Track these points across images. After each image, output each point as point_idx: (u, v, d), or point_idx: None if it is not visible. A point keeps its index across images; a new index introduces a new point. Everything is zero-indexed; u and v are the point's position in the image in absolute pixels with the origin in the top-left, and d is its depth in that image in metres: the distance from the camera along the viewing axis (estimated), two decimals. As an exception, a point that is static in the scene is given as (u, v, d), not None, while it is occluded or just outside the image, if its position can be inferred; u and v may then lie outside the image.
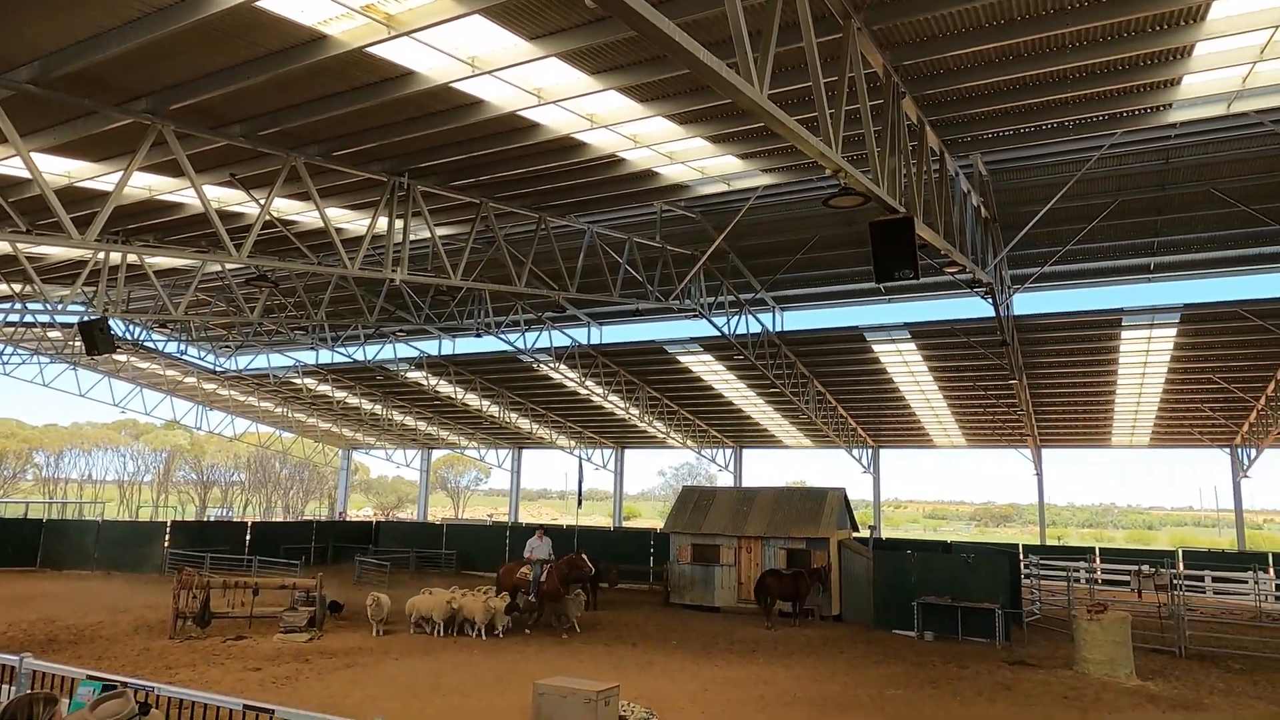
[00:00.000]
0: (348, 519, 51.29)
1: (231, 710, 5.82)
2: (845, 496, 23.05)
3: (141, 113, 11.47)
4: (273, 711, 5.34)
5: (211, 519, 62.34)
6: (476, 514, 78.83)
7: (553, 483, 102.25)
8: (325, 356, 35.78)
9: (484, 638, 16.63)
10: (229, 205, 16.17)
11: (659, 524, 31.98)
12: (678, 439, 42.36)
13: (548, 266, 18.74)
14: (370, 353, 33.20)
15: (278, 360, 37.47)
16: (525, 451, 51.05)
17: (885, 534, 39.60)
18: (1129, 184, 17.77)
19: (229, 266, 20.87)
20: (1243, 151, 16.23)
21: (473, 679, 12.98)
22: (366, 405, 43.04)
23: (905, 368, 29.27)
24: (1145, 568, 28.30)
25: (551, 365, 30.87)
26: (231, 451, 77.16)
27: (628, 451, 48.04)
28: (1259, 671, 14.97)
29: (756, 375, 30.04)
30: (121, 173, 11.99)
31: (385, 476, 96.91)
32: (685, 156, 13.75)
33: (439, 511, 76.85)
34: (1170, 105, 12.01)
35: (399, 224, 14.73)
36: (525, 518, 66.94)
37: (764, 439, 42.64)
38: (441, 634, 16.80)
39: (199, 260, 18.86)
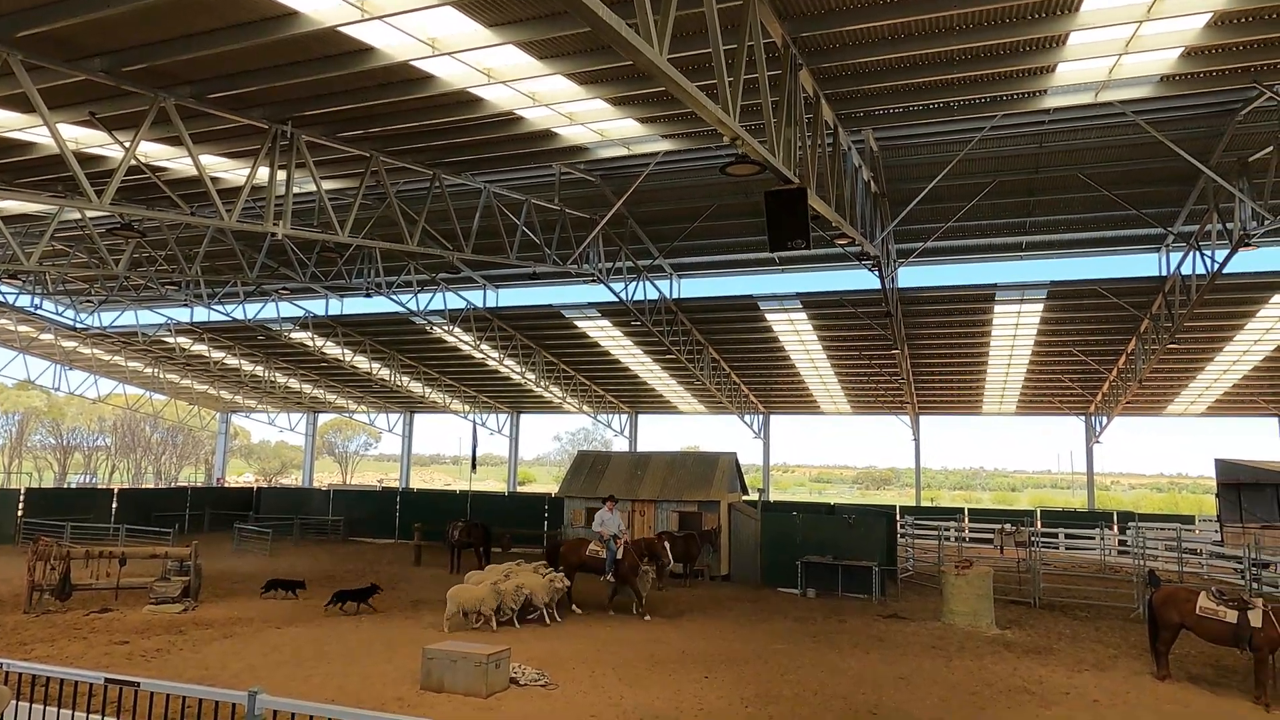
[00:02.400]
0: (226, 485, 49.00)
1: (92, 684, 5.48)
2: (736, 461, 23.66)
3: (-17, 39, 10.36)
4: (138, 684, 5.05)
5: (73, 485, 58.30)
6: (366, 479, 76.78)
7: (446, 447, 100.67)
8: (201, 314, 33.78)
9: (551, 621, 14.64)
10: (89, 147, 14.89)
11: (554, 489, 32.01)
12: (574, 404, 42.37)
13: (442, 226, 18.23)
14: (251, 311, 31.53)
15: (147, 317, 35.08)
16: (418, 416, 49.95)
17: (774, 497, 41.02)
18: (1006, 166, 18.72)
19: (89, 214, 19.28)
20: (1107, 140, 17.35)
21: (360, 645, 12.72)
22: (247, 366, 40.97)
23: (796, 336, 30.16)
24: (1007, 526, 30.57)
25: (446, 328, 30.16)
26: (96, 414, 72.08)
27: (523, 416, 47.73)
28: (1101, 619, 16.41)
29: (653, 342, 30.30)
30: (-40, 105, 10.83)
31: (268, 441, 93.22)
32: (585, 118, 13.56)
33: (326, 477, 74.47)
34: (1045, 91, 12.68)
35: (281, 175, 13.94)
36: (417, 483, 65.71)
37: (659, 404, 43.19)
38: (495, 625, 14.06)
39: (54, 205, 17.35)
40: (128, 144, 12.48)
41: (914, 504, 40.36)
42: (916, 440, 40.45)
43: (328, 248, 22.64)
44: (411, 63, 11.34)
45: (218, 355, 39.33)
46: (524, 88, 12.34)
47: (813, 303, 26.62)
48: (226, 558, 23.45)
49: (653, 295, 26.18)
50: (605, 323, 30.10)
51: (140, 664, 11.38)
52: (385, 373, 39.01)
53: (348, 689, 10.24)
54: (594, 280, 22.21)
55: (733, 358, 33.46)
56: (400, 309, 27.49)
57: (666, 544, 15.96)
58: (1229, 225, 16.86)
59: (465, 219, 17.92)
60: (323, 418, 56.66)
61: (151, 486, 63.06)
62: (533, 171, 18.87)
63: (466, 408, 45.92)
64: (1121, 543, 28.20)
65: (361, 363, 37.57)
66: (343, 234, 15.21)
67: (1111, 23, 10.43)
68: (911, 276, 24.70)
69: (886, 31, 10.82)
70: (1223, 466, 25.75)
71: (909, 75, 12.01)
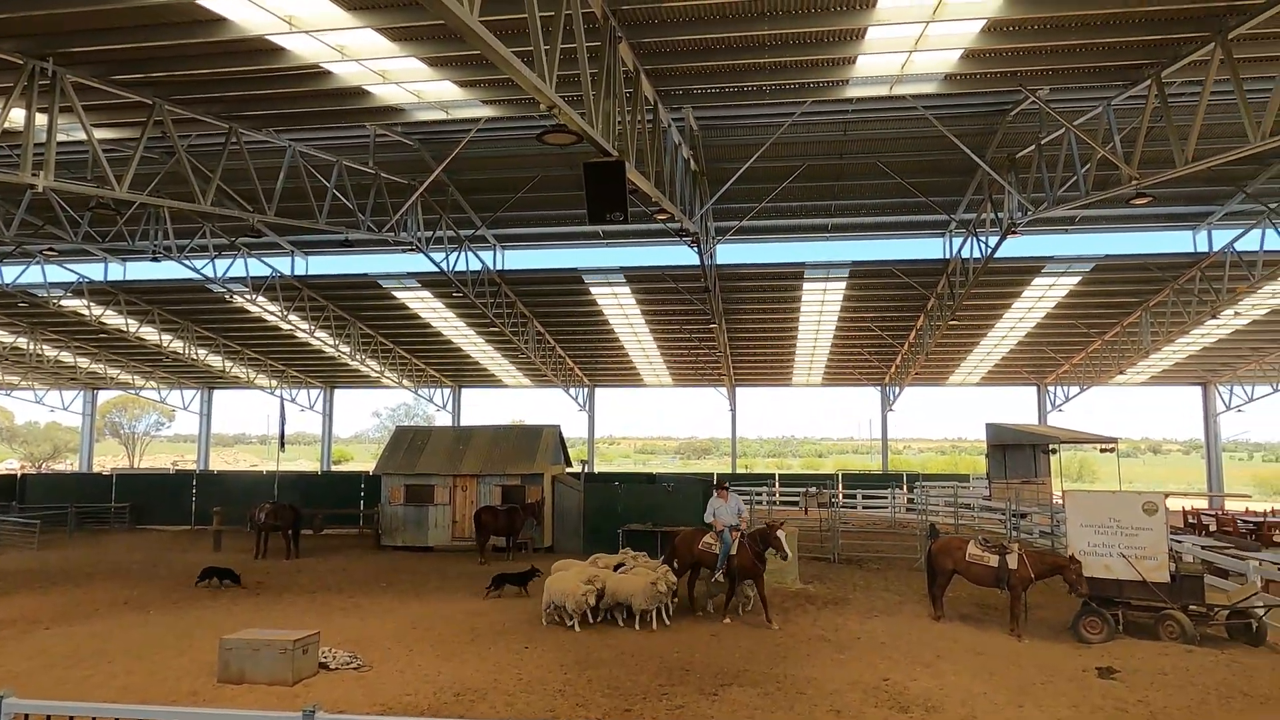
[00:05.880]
0: (-16, 473, 43.07)
1: None
2: (560, 434, 23.79)
3: None
4: None
5: None
6: (159, 462, 70.18)
7: (253, 426, 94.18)
8: (-55, 277, 29.21)
9: (646, 627, 12.43)
10: None
11: (374, 466, 30.78)
12: (393, 378, 40.78)
13: (241, 185, 16.82)
14: (10, 275, 27.70)
15: (-127, 280, 29.90)
16: (218, 392, 46.19)
17: (598, 468, 41.67)
18: (814, 151, 19.85)
19: None
20: (902, 132, 18.81)
21: (149, 641, 11.66)
22: (6, 338, 36.02)
23: (620, 311, 30.61)
24: (812, 489, 32.85)
25: (248, 297, 27.95)
26: None
27: (338, 391, 45.39)
28: (890, 570, 18.06)
29: (477, 314, 29.70)
30: None
31: (36, 423, 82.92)
32: (399, 77, 12.93)
33: (110, 461, 67.33)
34: (848, 81, 13.52)
35: (42, 119, 12.25)
36: (219, 465, 60.99)
37: (484, 378, 42.50)
38: (581, 624, 12.28)
39: None
40: None
41: (730, 471, 42.39)
42: (733, 411, 42.42)
43: (104, 204, 20.23)
44: (198, 2, 10.30)
45: (-31, 325, 34.29)
46: (331, 40, 11.56)
47: (636, 277, 27.09)
48: (-17, 554, 20.71)
49: (475, 266, 25.60)
50: (426, 294, 29.12)
51: None
52: (178, 345, 35.61)
53: (133, 687, 9.37)
54: (413, 249, 21.37)
55: (558, 331, 33.46)
56: (195, 275, 25.14)
57: (782, 534, 12.98)
58: (1000, 215, 18.86)
59: (268, 179, 16.61)
60: (104, 395, 51.08)
61: (-115, 477, 54.28)
62: (345, 131, 17.80)
63: (274, 383, 42.97)
64: (910, 501, 31.11)
65: (150, 334, 34.06)
66: (120, 189, 13.64)
67: (904, 20, 11.27)
68: (729, 254, 25.78)
69: (702, 11, 11.09)
70: (992, 430, 28.94)
71: (724, 57, 12.40)
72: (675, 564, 13.87)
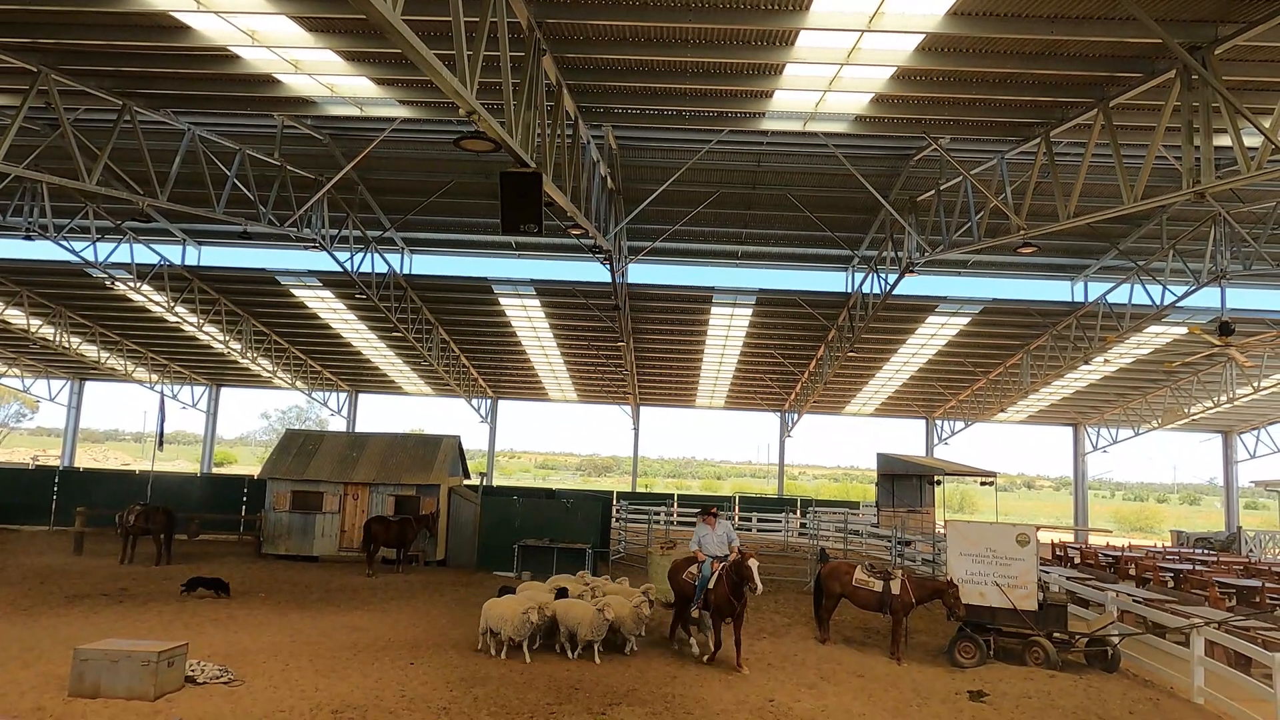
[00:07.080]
0: None
1: None
2: (460, 444, 23.31)
3: None
4: None
5: None
6: (17, 456, 64.90)
7: (128, 422, 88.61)
8: None
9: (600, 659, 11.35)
10: None
11: (259, 470, 29.34)
12: (286, 379, 39.11)
13: (132, 167, 15.87)
14: None
15: None
16: (90, 384, 43.18)
17: (498, 482, 41.02)
18: (728, 179, 20.30)
19: None
20: (813, 167, 19.47)
21: (-11, 651, 10.72)
22: None
23: (529, 323, 30.36)
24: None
25: (132, 285, 26.30)
26: None
27: (225, 390, 43.18)
28: (781, 592, 18.42)
29: (380, 318, 28.88)
30: None
31: (-125, 408, 75.27)
32: (313, 68, 12.53)
33: (-40, 453, 61.89)
34: (764, 114, 13.92)
35: (-92, 77, 11.29)
36: (87, 462, 57.05)
37: (383, 384, 41.30)
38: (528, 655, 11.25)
39: None
40: None
41: (630, 490, 42.50)
42: (636, 430, 42.58)
43: (-26, 175, 18.74)
44: (98, -31, 9.74)
45: None
46: (241, 23, 11.10)
47: (547, 290, 26.93)
48: None
49: (381, 269, 24.92)
50: (327, 293, 28.12)
51: None
52: (49, 332, 33.14)
53: (-33, 702, 8.58)
54: (316, 247, 20.62)
55: (463, 340, 32.89)
56: (73, 258, 23.50)
57: (753, 564, 11.16)
58: (900, 254, 19.71)
59: (163, 162, 15.74)
60: (-41, 381, 46.92)
61: None
62: (251, 119, 17.08)
63: (155, 378, 40.50)
64: (802, 525, 31.88)
65: (16, 318, 31.59)
66: (-6, 160, 12.67)
67: (820, 61, 11.70)
68: (640, 273, 25.96)
69: (628, 33, 11.22)
70: (882, 460, 30.01)
71: (647, 79, 12.57)
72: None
